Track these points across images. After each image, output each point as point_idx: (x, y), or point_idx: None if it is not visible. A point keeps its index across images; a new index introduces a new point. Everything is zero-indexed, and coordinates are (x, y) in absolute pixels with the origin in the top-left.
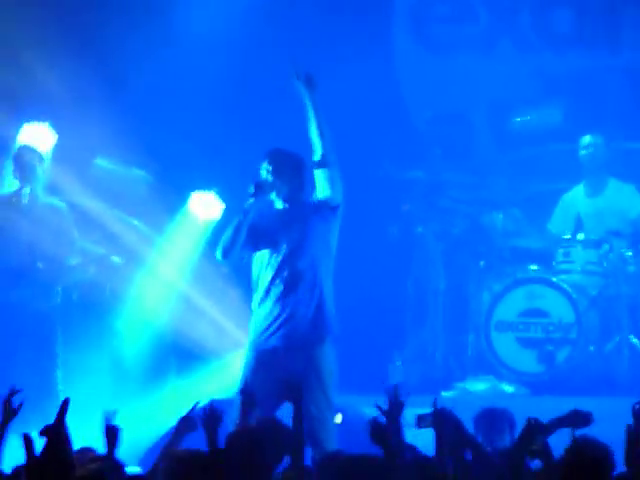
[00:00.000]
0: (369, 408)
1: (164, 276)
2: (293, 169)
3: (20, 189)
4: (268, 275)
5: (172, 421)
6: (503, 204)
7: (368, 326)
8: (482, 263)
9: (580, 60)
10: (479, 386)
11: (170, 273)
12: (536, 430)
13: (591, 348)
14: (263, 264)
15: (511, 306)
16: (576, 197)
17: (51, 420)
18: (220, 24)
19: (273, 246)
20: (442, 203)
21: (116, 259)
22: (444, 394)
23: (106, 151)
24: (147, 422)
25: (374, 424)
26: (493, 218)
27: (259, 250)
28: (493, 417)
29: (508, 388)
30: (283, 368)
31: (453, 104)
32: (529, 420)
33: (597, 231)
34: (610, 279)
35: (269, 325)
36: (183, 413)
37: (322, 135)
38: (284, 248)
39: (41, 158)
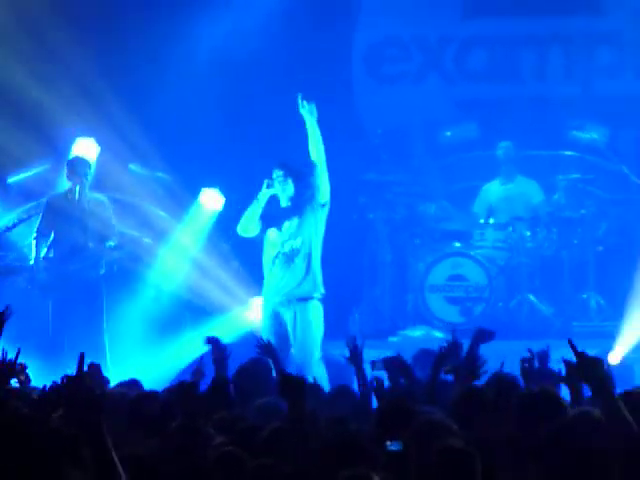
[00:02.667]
0: (336, 350)
1: (181, 252)
2: (297, 175)
3: (72, 187)
4: (275, 250)
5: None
6: (434, 197)
7: (334, 288)
8: (418, 241)
9: (491, 89)
10: (417, 333)
11: (185, 250)
12: (446, 354)
13: (500, 304)
14: (270, 242)
15: (440, 273)
16: (491, 188)
17: (98, 360)
18: (227, 46)
19: (279, 229)
20: (388, 196)
21: (146, 240)
22: (390, 339)
23: (137, 159)
24: (166, 365)
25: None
26: (426, 207)
27: (268, 231)
28: (427, 355)
29: (438, 334)
30: (284, 317)
31: (397, 122)
32: (440, 348)
33: (506, 214)
34: (513, 253)
35: (276, 286)
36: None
37: (318, 149)
38: (286, 231)
39: (89, 165)
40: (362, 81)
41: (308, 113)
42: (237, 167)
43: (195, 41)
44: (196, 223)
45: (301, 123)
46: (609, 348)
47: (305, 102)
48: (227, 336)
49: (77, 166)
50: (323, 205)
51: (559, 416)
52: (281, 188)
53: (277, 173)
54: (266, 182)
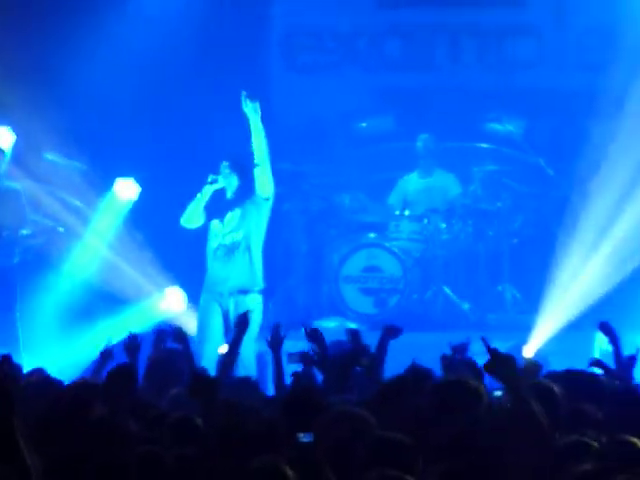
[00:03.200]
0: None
1: (96, 242)
2: (242, 169)
3: None
4: (216, 242)
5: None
6: (351, 188)
7: None
8: (333, 232)
9: (408, 79)
10: (331, 324)
11: (100, 239)
12: (359, 353)
13: (414, 296)
14: (213, 234)
15: (355, 264)
16: (409, 180)
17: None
18: (143, 33)
19: (221, 221)
20: (304, 187)
21: (61, 229)
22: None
23: (52, 147)
24: (80, 354)
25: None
26: (342, 199)
27: (211, 222)
28: (341, 345)
29: (352, 325)
30: (222, 308)
31: (313, 112)
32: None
33: (424, 207)
34: (429, 244)
35: (216, 277)
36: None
37: (261, 145)
38: (228, 223)
39: (2, 153)
40: (278, 70)
41: (252, 111)
42: (153, 157)
43: (111, 27)
44: (111, 212)
45: (216, 112)
46: (524, 340)
47: (249, 100)
48: (140, 325)
49: None
50: (266, 199)
51: (476, 406)
52: (226, 181)
53: (224, 165)
54: (211, 177)
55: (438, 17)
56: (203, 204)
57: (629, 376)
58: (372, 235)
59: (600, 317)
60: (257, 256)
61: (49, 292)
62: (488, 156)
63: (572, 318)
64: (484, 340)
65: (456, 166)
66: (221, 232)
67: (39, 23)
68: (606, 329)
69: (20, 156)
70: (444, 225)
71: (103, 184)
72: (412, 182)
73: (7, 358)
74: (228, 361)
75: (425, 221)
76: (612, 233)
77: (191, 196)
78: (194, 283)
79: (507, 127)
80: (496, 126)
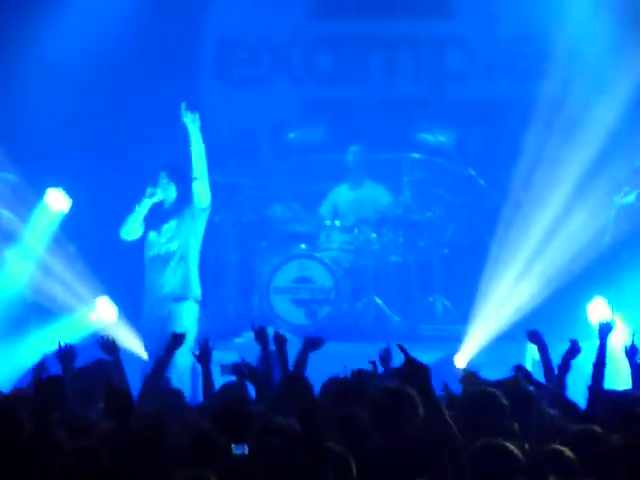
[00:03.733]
0: None
1: (26, 253)
2: (180, 180)
3: None
4: (152, 252)
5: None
6: (282, 199)
7: None
8: (264, 243)
9: (339, 90)
10: None
11: (31, 251)
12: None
13: (345, 306)
14: (150, 244)
15: (286, 275)
16: (339, 192)
17: None
18: (73, 42)
19: (158, 232)
20: (236, 199)
21: None
22: (235, 340)
23: None
24: (11, 366)
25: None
26: (274, 209)
27: (148, 233)
28: (271, 356)
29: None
30: (158, 316)
31: (244, 123)
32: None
33: (353, 217)
34: (359, 255)
35: (152, 287)
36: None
37: (200, 156)
38: (164, 234)
39: None
40: (210, 83)
41: (191, 122)
42: (84, 168)
43: (42, 37)
44: (41, 224)
45: (148, 123)
46: (455, 351)
47: (188, 112)
48: (72, 337)
49: None
50: (204, 210)
51: (411, 416)
52: (164, 193)
53: (162, 175)
54: (149, 190)
55: (371, 28)
56: (142, 216)
57: (561, 384)
58: (303, 246)
59: (531, 327)
60: (193, 266)
61: None
62: (419, 166)
63: (504, 328)
64: (401, 347)
65: (387, 176)
66: (157, 242)
67: None
68: (534, 337)
69: None
70: (375, 235)
71: (34, 195)
72: (342, 194)
73: None
74: (155, 375)
75: (356, 231)
76: (543, 243)
77: (125, 207)
78: (125, 294)
79: (438, 137)
80: (427, 136)
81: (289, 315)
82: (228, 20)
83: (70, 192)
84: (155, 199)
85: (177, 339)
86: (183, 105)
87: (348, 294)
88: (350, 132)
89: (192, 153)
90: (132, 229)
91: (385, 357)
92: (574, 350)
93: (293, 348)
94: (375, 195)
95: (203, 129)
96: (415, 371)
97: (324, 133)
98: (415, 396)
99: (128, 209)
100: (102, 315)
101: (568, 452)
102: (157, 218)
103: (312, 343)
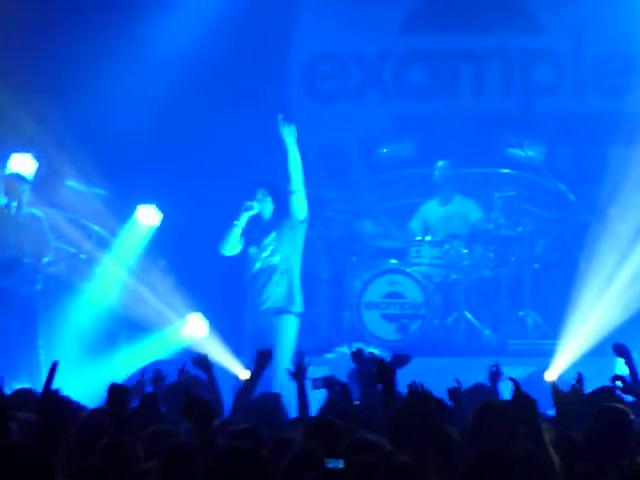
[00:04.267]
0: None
1: (117, 268)
2: (276, 193)
3: (8, 203)
4: (255, 266)
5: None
6: (371, 214)
7: None
8: (355, 258)
9: (429, 105)
10: None
11: (122, 266)
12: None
13: (436, 321)
14: (252, 259)
15: (376, 290)
16: (429, 207)
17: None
18: (161, 60)
19: (258, 246)
20: (325, 213)
21: (83, 256)
22: (327, 356)
23: (74, 174)
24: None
25: None
26: (363, 225)
27: (249, 248)
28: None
29: (375, 351)
30: (260, 329)
31: (334, 139)
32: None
33: (443, 231)
34: (450, 270)
35: (256, 301)
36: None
37: (296, 168)
38: (266, 248)
39: (26, 181)
40: (299, 98)
41: (288, 134)
42: (174, 183)
43: (128, 56)
44: (132, 239)
45: (237, 139)
46: (546, 366)
47: (285, 124)
48: (164, 352)
49: (14, 183)
50: (302, 222)
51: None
52: (261, 206)
53: (259, 191)
54: (245, 204)
55: (460, 43)
56: (239, 231)
57: None
58: (393, 261)
59: (618, 341)
60: (296, 278)
61: (71, 320)
62: (509, 182)
63: (594, 344)
64: (514, 381)
65: (477, 192)
66: (259, 257)
67: (57, 52)
68: (620, 351)
69: (42, 183)
70: (465, 250)
71: (124, 211)
72: (432, 209)
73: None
74: (245, 393)
75: (446, 246)
76: (633, 258)
77: (216, 222)
78: (216, 309)
79: (528, 153)
80: (517, 152)
81: (380, 330)
82: (318, 34)
83: (160, 207)
84: (252, 212)
85: (263, 357)
86: (280, 117)
87: (439, 309)
88: (440, 147)
89: (289, 166)
90: (232, 244)
91: (495, 373)
92: None
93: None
94: (465, 210)
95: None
96: (524, 405)
97: (414, 148)
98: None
99: (221, 224)
100: (194, 330)
101: None
102: (257, 233)
103: (399, 360)
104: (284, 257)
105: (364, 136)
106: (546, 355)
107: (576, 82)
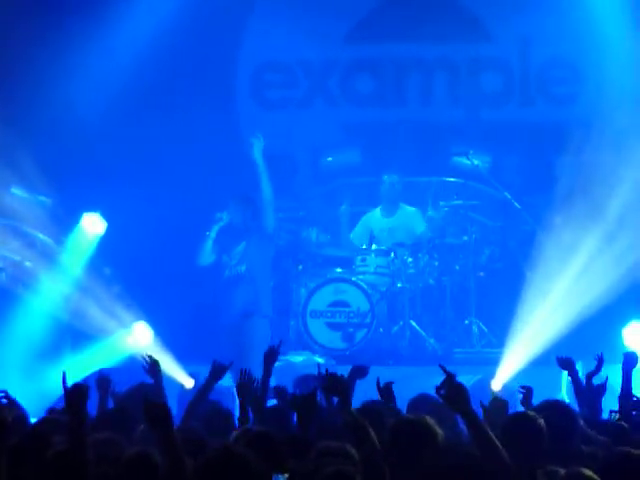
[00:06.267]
0: None
1: (62, 276)
2: (248, 205)
3: None
4: (226, 273)
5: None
6: (317, 222)
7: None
8: (300, 267)
9: (376, 113)
10: (298, 358)
11: (67, 274)
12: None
13: (381, 330)
14: (223, 266)
15: (322, 299)
16: (373, 217)
17: None
18: (105, 68)
19: (229, 255)
20: None
21: (28, 263)
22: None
23: (18, 182)
24: (46, 390)
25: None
26: (309, 233)
27: (222, 257)
28: (307, 380)
29: (320, 359)
30: (233, 332)
31: (281, 147)
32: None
33: (387, 243)
34: (395, 278)
35: (227, 305)
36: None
37: (267, 182)
38: (235, 257)
39: None
40: (246, 106)
41: (258, 150)
42: (119, 192)
43: (78, 62)
44: (78, 247)
45: (180, 147)
46: (491, 374)
47: (257, 141)
48: (108, 361)
49: None
50: (271, 233)
51: (430, 445)
52: (231, 217)
53: (231, 202)
54: (216, 215)
55: (407, 52)
56: (211, 243)
57: (596, 407)
58: (339, 270)
59: (566, 351)
60: (263, 285)
61: (16, 327)
62: (455, 190)
63: (540, 352)
64: (443, 368)
65: (422, 200)
66: (228, 264)
67: (4, 56)
68: (564, 364)
69: None
70: (410, 259)
71: (69, 219)
72: (375, 220)
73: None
74: (198, 400)
75: (392, 255)
76: (577, 266)
77: (161, 230)
78: (160, 317)
79: (474, 161)
80: (463, 160)
81: (325, 339)
82: (265, 43)
83: (105, 215)
84: (222, 223)
85: (218, 370)
86: (256, 139)
87: (384, 318)
88: (386, 155)
89: (262, 180)
90: (206, 255)
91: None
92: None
93: None
94: (409, 221)
95: (240, 151)
96: (456, 391)
97: (360, 156)
98: (434, 426)
99: (167, 232)
100: (138, 339)
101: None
102: (228, 242)
103: (358, 371)
104: (250, 265)
105: (311, 144)
106: (491, 364)
107: (523, 91)
